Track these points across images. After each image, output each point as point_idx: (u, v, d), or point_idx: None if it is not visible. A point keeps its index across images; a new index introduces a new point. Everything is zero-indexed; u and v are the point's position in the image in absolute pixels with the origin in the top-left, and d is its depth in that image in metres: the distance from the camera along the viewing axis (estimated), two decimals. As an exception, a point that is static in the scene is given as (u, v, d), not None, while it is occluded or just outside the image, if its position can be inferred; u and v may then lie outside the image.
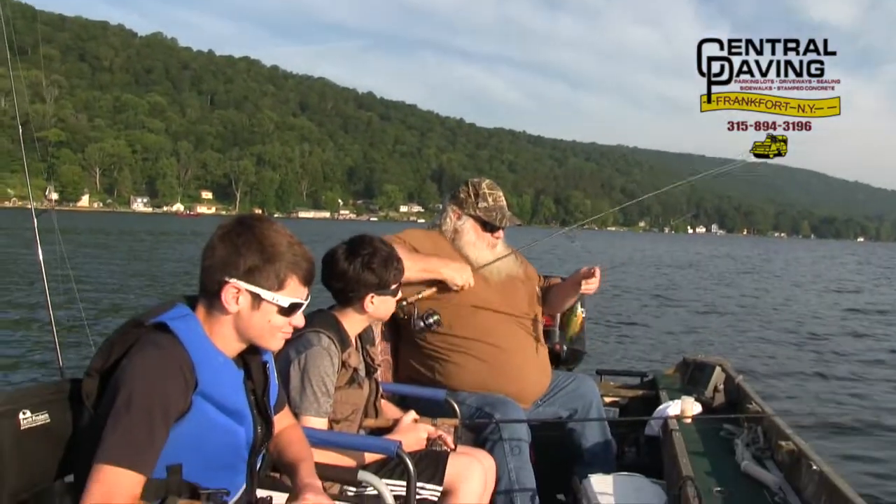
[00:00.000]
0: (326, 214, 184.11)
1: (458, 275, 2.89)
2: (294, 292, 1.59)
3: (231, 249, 1.54)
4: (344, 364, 2.23)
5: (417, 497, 2.10)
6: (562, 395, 3.05)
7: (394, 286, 2.34)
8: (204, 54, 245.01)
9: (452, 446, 2.38)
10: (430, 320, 2.84)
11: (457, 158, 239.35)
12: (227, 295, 1.53)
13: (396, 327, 2.92)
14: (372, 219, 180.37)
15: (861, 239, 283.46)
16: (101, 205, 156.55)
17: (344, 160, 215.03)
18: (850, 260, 60.23)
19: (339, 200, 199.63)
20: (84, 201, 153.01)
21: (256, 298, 1.55)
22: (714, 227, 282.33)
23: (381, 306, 2.34)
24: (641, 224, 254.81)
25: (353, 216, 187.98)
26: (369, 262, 2.27)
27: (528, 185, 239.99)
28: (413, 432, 2.33)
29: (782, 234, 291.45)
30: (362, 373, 2.33)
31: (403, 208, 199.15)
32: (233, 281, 1.53)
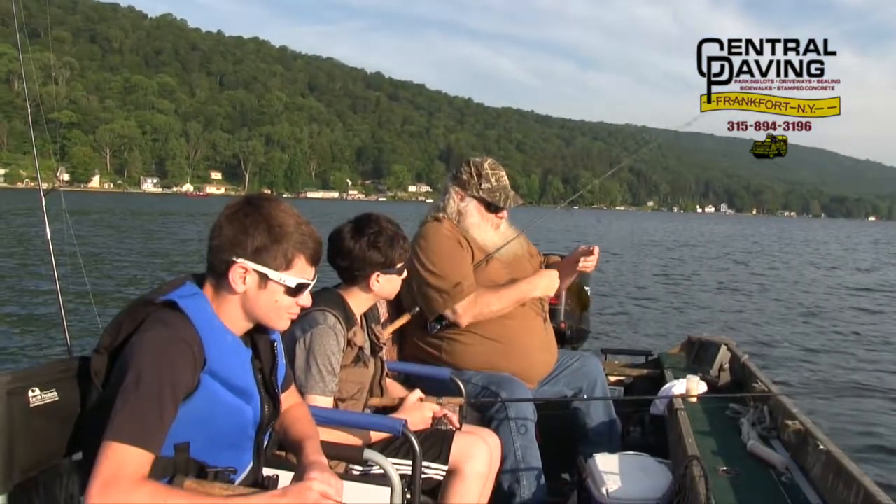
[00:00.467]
0: (335, 194, 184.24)
1: (552, 286, 2.95)
2: (301, 272, 1.58)
3: (239, 229, 1.54)
4: (349, 343, 2.23)
5: (423, 476, 2.11)
6: (567, 373, 3.05)
7: (399, 265, 2.33)
8: (213, 35, 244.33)
9: (458, 425, 2.39)
10: (445, 321, 2.84)
11: (465, 138, 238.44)
12: (235, 275, 1.53)
13: (400, 306, 2.91)
14: (380, 199, 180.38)
15: (872, 218, 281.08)
16: (111, 185, 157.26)
17: (352, 140, 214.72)
18: (864, 240, 59.77)
19: (348, 180, 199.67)
20: (95, 182, 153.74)
21: (263, 278, 1.55)
22: (723, 207, 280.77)
23: (386, 285, 2.32)
24: (650, 203, 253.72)
25: (361, 196, 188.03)
26: (375, 241, 2.26)
27: (536, 165, 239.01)
28: (418, 411, 2.33)
29: (792, 214, 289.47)
30: (368, 351, 2.33)
31: (412, 188, 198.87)
32: (240, 261, 1.53)
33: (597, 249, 3.01)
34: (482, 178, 2.97)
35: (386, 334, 2.69)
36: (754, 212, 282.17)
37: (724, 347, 3.26)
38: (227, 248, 1.53)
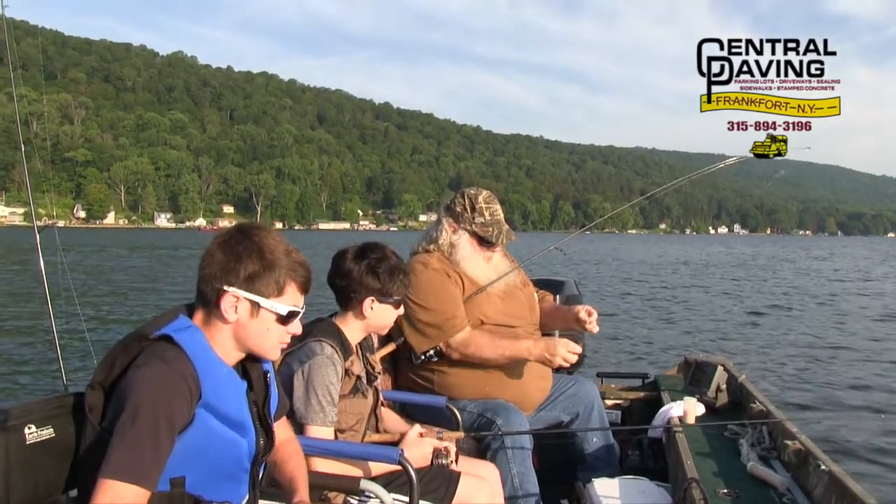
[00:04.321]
0: (346, 225, 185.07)
1: (549, 353, 2.77)
2: (292, 299, 1.60)
3: (231, 257, 1.54)
4: (347, 372, 2.23)
5: None
6: (563, 399, 3.03)
7: (396, 297, 2.33)
8: (223, 71, 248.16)
9: (454, 458, 2.34)
10: (430, 352, 2.83)
11: (475, 166, 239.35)
12: (226, 303, 1.54)
13: (388, 335, 2.87)
14: (392, 228, 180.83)
15: (891, 234, 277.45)
16: (126, 221, 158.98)
17: (362, 171, 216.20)
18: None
19: (359, 211, 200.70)
20: (110, 218, 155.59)
21: (255, 306, 1.56)
22: (736, 227, 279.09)
23: (379, 314, 2.32)
24: (662, 226, 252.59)
25: (372, 227, 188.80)
26: (375, 266, 2.27)
27: (546, 191, 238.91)
28: (419, 447, 2.31)
29: (807, 232, 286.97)
30: (365, 381, 2.34)
31: (422, 217, 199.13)
32: (232, 289, 1.53)
33: (594, 312, 2.98)
34: (476, 212, 2.92)
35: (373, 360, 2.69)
36: (768, 231, 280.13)
37: (720, 368, 3.25)
38: (218, 277, 1.54)
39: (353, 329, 2.33)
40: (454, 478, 2.28)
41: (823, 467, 2.17)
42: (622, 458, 3.14)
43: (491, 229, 2.92)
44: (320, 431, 2.13)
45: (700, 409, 3.01)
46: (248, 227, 1.61)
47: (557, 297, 3.57)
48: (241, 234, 1.58)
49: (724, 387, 3.20)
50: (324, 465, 2.08)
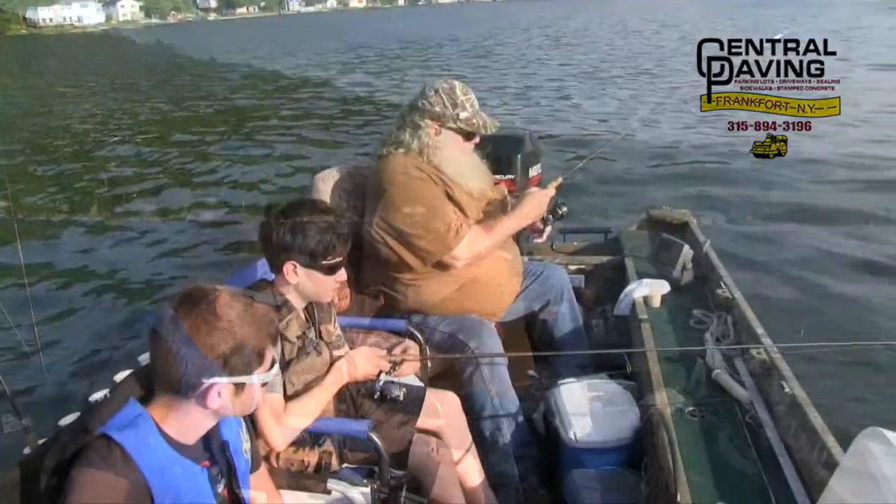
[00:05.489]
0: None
1: (541, 210, 2.80)
2: (270, 360, 1.47)
3: (198, 349, 1.36)
4: (284, 338, 2.00)
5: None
6: (534, 286, 2.96)
7: (326, 262, 2.01)
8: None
9: (423, 378, 2.26)
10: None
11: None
12: (211, 397, 1.39)
13: (361, 244, 2.69)
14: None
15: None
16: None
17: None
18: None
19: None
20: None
21: (240, 386, 1.41)
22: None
23: (306, 281, 2.03)
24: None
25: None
26: (298, 227, 1.98)
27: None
28: (359, 357, 2.17)
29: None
30: (313, 335, 2.13)
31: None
32: (214, 381, 1.38)
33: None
34: (458, 107, 2.67)
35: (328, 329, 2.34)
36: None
37: (685, 247, 3.20)
38: (193, 373, 1.37)
39: (290, 293, 2.08)
40: (419, 395, 2.25)
41: (787, 389, 2.14)
42: (587, 330, 3.09)
43: (476, 121, 2.71)
44: (272, 401, 1.94)
45: (665, 287, 3.00)
46: (199, 297, 1.40)
47: (519, 156, 3.47)
48: (196, 315, 1.37)
49: (689, 266, 3.17)
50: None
